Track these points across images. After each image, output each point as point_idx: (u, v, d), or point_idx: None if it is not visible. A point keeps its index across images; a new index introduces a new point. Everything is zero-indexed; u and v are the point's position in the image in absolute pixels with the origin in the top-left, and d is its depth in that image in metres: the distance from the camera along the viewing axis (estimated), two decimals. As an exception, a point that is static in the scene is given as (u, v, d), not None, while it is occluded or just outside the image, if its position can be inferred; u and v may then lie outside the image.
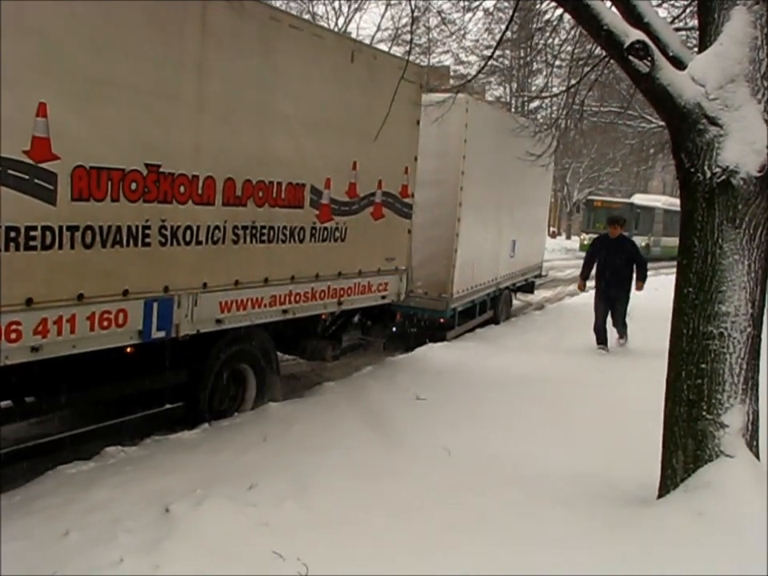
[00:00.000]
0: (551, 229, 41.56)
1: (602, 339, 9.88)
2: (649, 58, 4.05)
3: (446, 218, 9.68)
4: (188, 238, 5.26)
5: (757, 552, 3.54)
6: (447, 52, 27.00)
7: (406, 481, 4.84)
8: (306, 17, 20.47)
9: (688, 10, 8.94)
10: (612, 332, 10.11)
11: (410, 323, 9.89)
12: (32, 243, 4.20)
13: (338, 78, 6.63)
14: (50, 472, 4.72)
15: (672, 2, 10.64)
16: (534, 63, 23.47)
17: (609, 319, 10.03)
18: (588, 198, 37.07)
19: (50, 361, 4.47)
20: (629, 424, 6.09)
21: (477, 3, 9.53)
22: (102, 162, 4.55)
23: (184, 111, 5.12)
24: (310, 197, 6.43)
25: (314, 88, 6.31)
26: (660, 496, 4.33)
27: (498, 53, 25.08)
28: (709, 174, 4.19)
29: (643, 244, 30.69)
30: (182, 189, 5.14)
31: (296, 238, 6.34)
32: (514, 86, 31.11)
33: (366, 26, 65.50)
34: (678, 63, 4.33)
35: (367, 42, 17.94)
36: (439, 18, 21.66)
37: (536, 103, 24.06)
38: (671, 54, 4.39)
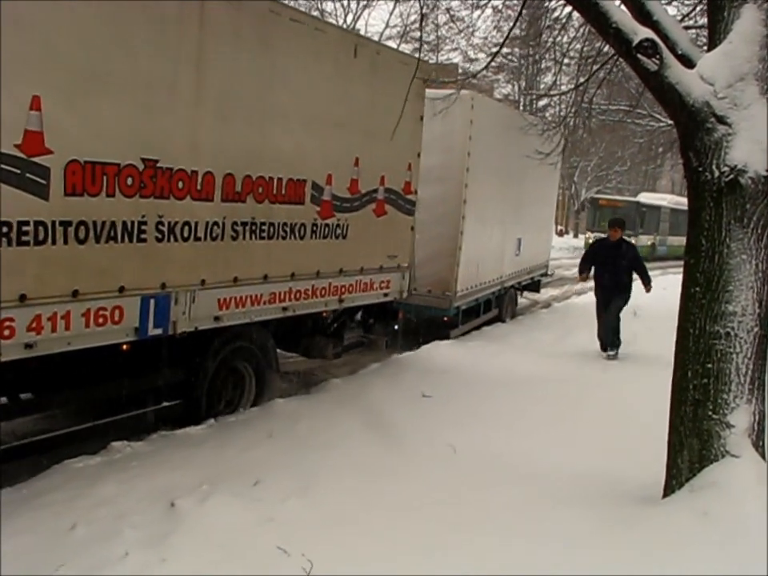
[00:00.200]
0: (559, 227, 41.48)
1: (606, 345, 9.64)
2: (657, 56, 4.03)
3: (449, 215, 9.62)
4: (186, 234, 5.19)
5: (761, 553, 3.52)
6: (456, 49, 26.94)
7: (410, 478, 4.85)
8: (315, 14, 20.45)
9: (698, 8, 8.89)
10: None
11: (413, 321, 9.84)
12: (24, 238, 4.12)
13: (340, 72, 6.55)
14: (56, 466, 4.73)
15: (682, 0, 10.59)
16: (543, 61, 23.42)
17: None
18: (592, 196, 36.84)
19: (45, 358, 4.42)
20: (633, 424, 6.07)
21: (485, 0, 9.51)
22: (97, 156, 4.47)
23: (182, 105, 5.04)
24: (311, 193, 6.36)
25: (315, 82, 6.24)
26: (665, 495, 4.32)
27: (506, 50, 25.08)
28: (717, 173, 4.17)
29: (649, 243, 30.63)
30: (180, 184, 5.08)
31: (296, 234, 6.27)
32: (523, 83, 31.04)
33: (375, 23, 65.48)
34: (687, 61, 4.31)
35: (376, 39, 17.91)
36: (448, 15, 21.74)
37: (544, 101, 23.93)
38: (680, 52, 4.37)
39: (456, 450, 5.40)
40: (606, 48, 8.58)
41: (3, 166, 3.97)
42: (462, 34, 22.90)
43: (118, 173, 4.61)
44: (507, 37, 8.99)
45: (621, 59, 6.55)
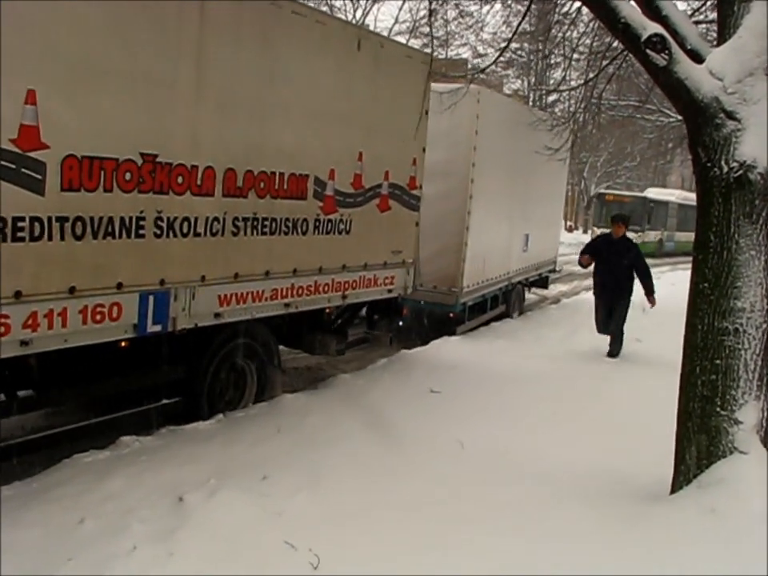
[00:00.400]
0: (568, 223, 41.36)
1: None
2: (666, 52, 4.01)
3: (455, 210, 9.54)
4: (185, 230, 5.11)
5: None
6: (465, 45, 26.92)
7: (417, 475, 4.85)
8: (324, 9, 20.43)
9: (708, 3, 8.84)
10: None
11: (419, 317, 9.79)
12: (20, 234, 4.05)
13: (343, 65, 6.44)
14: (66, 461, 4.76)
15: (692, -5, 10.54)
16: (552, 56, 23.29)
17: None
18: (599, 191, 36.38)
19: (42, 355, 4.39)
20: (641, 420, 6.06)
21: (494, -5, 9.48)
22: (95, 151, 4.38)
23: (182, 100, 4.96)
24: (314, 188, 6.27)
25: (318, 76, 6.15)
26: (673, 492, 4.32)
27: (516, 45, 25.03)
28: (726, 169, 4.15)
29: (656, 239, 30.49)
30: (179, 179, 5.00)
31: (299, 230, 6.18)
32: (532, 79, 30.92)
33: (384, 18, 65.26)
34: (696, 56, 4.29)
35: (385, 34, 17.89)
36: (457, 11, 21.71)
37: (554, 96, 23.90)
38: (689, 47, 4.35)
39: (465, 446, 5.40)
40: (616, 43, 8.53)
41: None
42: (472, 30, 22.93)
43: (116, 168, 4.54)
44: (516, 32, 8.97)
45: (630, 54, 6.52)
